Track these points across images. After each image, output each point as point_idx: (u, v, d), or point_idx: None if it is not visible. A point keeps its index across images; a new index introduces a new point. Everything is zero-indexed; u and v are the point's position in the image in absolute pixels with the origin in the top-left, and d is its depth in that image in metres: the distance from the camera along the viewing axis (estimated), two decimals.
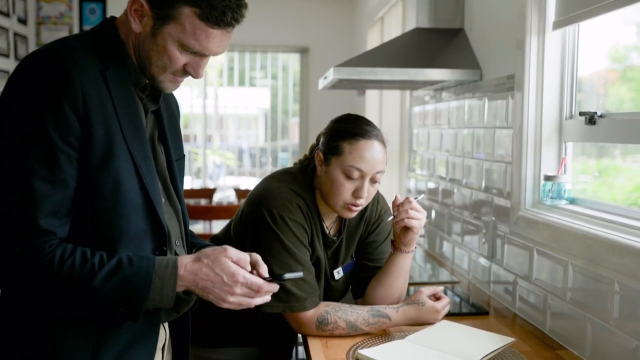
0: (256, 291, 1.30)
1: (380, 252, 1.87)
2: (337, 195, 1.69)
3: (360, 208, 1.71)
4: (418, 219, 1.71)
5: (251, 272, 1.32)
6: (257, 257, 1.37)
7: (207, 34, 1.25)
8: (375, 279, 1.82)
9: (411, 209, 1.70)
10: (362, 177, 1.67)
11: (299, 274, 1.44)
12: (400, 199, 1.73)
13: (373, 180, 1.69)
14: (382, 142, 1.71)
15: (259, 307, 1.63)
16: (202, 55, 1.29)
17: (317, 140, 1.83)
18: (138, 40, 1.29)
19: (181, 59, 1.28)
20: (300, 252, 1.69)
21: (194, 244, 1.53)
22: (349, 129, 1.70)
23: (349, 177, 1.67)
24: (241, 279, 1.27)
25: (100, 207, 1.23)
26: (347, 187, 1.68)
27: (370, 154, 1.67)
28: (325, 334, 1.70)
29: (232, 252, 1.30)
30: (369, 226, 1.87)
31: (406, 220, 1.70)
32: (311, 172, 1.78)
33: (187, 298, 1.36)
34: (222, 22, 1.24)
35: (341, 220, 1.85)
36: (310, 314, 1.69)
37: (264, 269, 1.35)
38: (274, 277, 1.36)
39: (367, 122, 1.73)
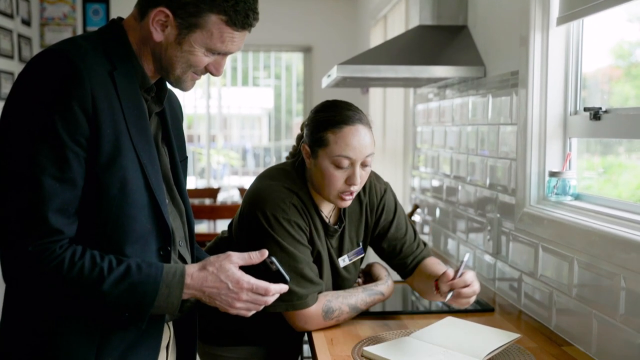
0: (263, 294, 1.31)
1: (396, 229, 1.87)
2: (329, 187, 1.68)
3: (354, 195, 1.70)
4: (470, 296, 1.62)
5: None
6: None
7: (232, 36, 1.29)
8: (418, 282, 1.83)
9: (465, 285, 1.59)
10: (352, 164, 1.66)
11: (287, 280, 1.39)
12: (451, 274, 1.59)
13: (364, 165, 1.68)
14: (367, 124, 1.69)
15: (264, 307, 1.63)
16: (224, 54, 1.33)
17: (302, 129, 1.82)
18: (159, 48, 1.30)
19: (205, 60, 1.31)
20: (298, 250, 1.69)
21: (199, 258, 1.52)
22: (331, 118, 1.67)
23: (339, 166, 1.65)
24: (246, 284, 1.29)
25: (107, 207, 1.23)
26: (339, 177, 1.66)
27: (357, 140, 1.64)
28: (332, 322, 1.72)
29: (236, 257, 1.31)
30: (375, 212, 1.86)
31: (459, 300, 1.62)
32: (302, 165, 1.77)
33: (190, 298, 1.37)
34: (246, 24, 1.30)
35: (340, 208, 1.84)
36: (315, 308, 1.70)
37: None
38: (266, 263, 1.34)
39: (348, 107, 1.70)
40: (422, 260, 1.87)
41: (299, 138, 1.84)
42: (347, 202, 1.71)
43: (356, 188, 1.68)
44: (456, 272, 1.60)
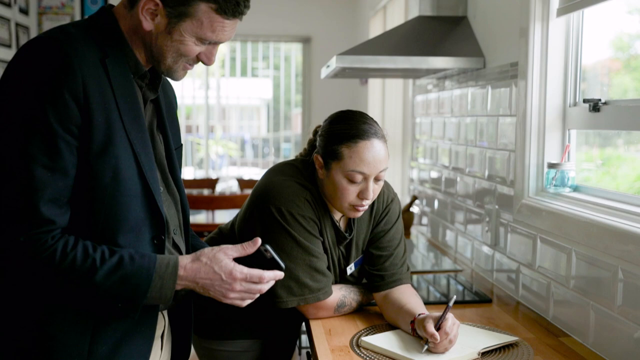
0: (258, 282, 1.31)
1: (389, 240, 1.82)
2: (341, 199, 1.66)
3: (366, 207, 1.69)
4: (448, 347, 1.50)
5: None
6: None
7: (223, 25, 1.28)
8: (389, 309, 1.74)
9: (448, 340, 1.49)
10: (366, 178, 1.63)
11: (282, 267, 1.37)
12: (432, 329, 1.48)
13: (377, 179, 1.65)
14: (382, 138, 1.65)
15: (270, 302, 1.63)
16: (215, 43, 1.32)
17: (314, 134, 1.80)
18: (149, 37, 1.29)
19: (196, 50, 1.30)
20: (313, 244, 1.68)
21: (195, 246, 1.52)
22: (346, 131, 1.63)
23: (352, 181, 1.63)
24: (239, 275, 1.29)
25: (99, 196, 1.22)
26: (352, 191, 1.64)
27: (372, 155, 1.61)
28: (339, 314, 1.77)
29: (230, 249, 1.32)
30: (378, 216, 1.84)
31: (434, 350, 1.50)
32: (313, 166, 1.75)
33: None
34: (237, 12, 1.28)
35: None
36: (330, 300, 1.72)
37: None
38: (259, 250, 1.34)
39: (364, 120, 1.66)
40: (400, 283, 1.78)
41: (310, 142, 1.82)
42: (359, 213, 1.69)
43: (368, 202, 1.67)
44: (438, 319, 1.49)
